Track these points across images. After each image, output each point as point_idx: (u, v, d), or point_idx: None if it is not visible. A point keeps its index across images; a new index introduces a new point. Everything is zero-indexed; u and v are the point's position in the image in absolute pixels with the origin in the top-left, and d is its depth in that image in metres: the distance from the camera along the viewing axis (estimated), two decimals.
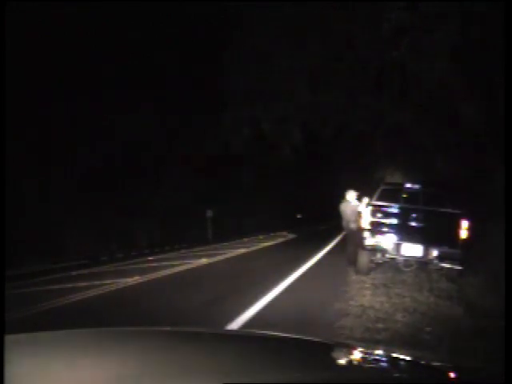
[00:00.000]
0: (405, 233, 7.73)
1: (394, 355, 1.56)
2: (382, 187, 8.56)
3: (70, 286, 7.51)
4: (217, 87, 15.06)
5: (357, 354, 1.52)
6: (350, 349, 1.62)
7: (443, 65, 8.17)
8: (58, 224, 13.30)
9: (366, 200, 9.14)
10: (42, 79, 12.67)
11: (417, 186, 8.40)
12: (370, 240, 7.84)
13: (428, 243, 7.46)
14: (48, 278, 8.62)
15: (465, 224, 7.24)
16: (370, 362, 1.44)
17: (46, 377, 1.07)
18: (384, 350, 1.64)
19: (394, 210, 7.99)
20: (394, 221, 7.91)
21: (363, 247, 7.98)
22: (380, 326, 4.74)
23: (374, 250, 7.92)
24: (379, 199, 8.14)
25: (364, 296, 6.33)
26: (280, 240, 18.64)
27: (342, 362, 1.45)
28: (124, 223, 16.07)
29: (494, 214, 6.96)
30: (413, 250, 7.57)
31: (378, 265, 8.57)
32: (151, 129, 17.06)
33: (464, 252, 7.28)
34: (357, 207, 9.10)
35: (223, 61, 12.56)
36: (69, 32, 13.02)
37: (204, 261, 10.75)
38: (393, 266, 8.48)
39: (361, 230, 8.13)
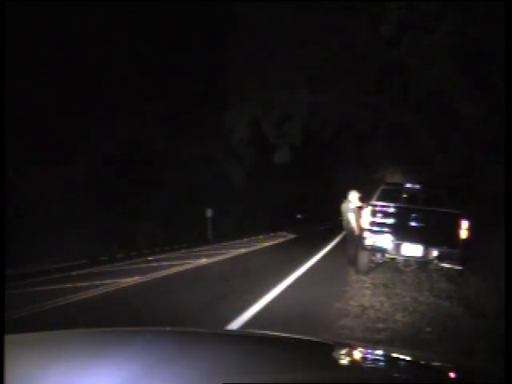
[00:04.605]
0: (405, 233, 7.71)
1: (394, 355, 1.55)
2: (382, 187, 8.55)
3: (69, 285, 7.50)
4: (217, 88, 15.06)
5: (357, 354, 1.52)
6: (350, 349, 1.61)
7: (443, 64, 8.18)
8: (58, 224, 13.29)
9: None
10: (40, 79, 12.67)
11: (417, 186, 8.39)
12: (369, 240, 7.83)
13: (428, 243, 7.45)
14: (48, 278, 8.62)
15: (465, 224, 7.23)
16: (370, 362, 1.43)
17: (46, 377, 1.06)
18: (384, 350, 1.64)
19: (394, 210, 7.98)
20: (394, 221, 7.90)
21: (363, 247, 7.97)
22: (380, 325, 4.73)
23: (374, 250, 7.91)
24: (379, 199, 8.13)
25: (364, 296, 6.33)
26: (280, 240, 18.63)
27: (342, 361, 1.45)
28: (124, 223, 16.07)
29: (493, 214, 6.97)
30: (413, 250, 7.56)
31: (378, 265, 8.56)
32: (151, 128, 17.06)
33: (464, 252, 7.27)
34: (356, 208, 9.08)
35: (224, 61, 12.58)
36: (69, 29, 13.02)
37: (204, 261, 10.75)
38: (393, 266, 8.48)
39: (361, 229, 8.13)
